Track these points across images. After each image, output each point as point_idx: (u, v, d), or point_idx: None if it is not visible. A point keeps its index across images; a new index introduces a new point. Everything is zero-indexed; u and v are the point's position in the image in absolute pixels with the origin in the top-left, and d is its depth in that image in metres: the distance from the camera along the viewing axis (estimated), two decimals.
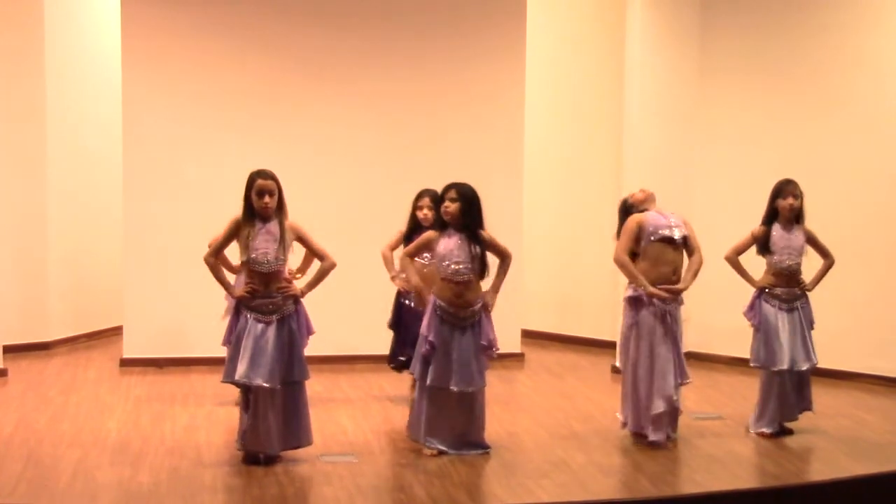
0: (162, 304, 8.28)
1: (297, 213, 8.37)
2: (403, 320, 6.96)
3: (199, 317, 7.87)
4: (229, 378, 5.75)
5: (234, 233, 5.78)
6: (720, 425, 6.75)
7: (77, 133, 9.08)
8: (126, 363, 8.24)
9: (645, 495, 5.40)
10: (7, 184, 8.50)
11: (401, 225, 6.96)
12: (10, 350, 8.12)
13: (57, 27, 8.85)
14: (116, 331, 8.88)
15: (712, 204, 8.73)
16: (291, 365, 5.77)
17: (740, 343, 6.96)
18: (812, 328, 6.55)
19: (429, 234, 6.15)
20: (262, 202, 5.71)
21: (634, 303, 6.29)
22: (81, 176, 9.11)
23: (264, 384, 5.65)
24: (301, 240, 5.89)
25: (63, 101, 8.90)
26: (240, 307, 5.79)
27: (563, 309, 9.36)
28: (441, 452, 5.96)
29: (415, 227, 6.83)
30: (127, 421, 6.68)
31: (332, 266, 5.89)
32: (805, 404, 6.63)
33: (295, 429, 5.83)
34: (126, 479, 5.49)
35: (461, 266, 5.92)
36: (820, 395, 7.40)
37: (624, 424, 6.43)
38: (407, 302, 6.89)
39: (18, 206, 8.63)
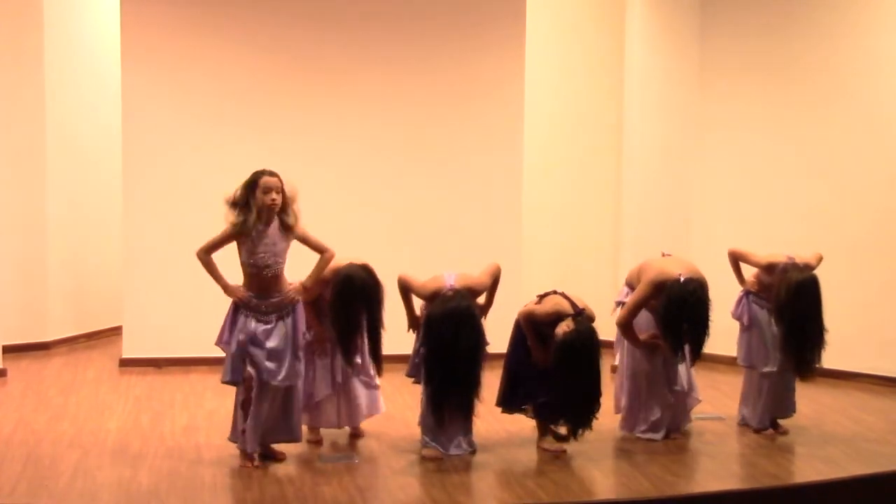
0: (162, 305, 8.28)
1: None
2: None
3: (199, 317, 7.85)
4: (228, 378, 5.74)
5: (234, 234, 5.69)
6: (720, 425, 6.74)
7: (77, 133, 9.06)
8: (125, 363, 8.23)
9: (645, 495, 5.40)
10: (7, 184, 8.50)
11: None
12: (9, 350, 8.11)
13: (56, 26, 8.84)
14: (116, 331, 8.87)
15: (712, 203, 8.73)
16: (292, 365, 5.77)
17: None
18: None
19: None
20: (268, 198, 5.60)
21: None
22: (81, 176, 9.10)
23: (273, 383, 5.67)
24: (302, 238, 5.84)
25: (63, 100, 8.89)
26: (237, 308, 5.78)
27: None
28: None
29: None
30: (127, 421, 6.68)
31: (332, 257, 5.88)
32: (791, 406, 6.62)
33: (288, 424, 5.84)
34: (126, 480, 5.49)
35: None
36: (821, 395, 7.41)
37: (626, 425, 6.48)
38: None
39: (18, 206, 8.62)
